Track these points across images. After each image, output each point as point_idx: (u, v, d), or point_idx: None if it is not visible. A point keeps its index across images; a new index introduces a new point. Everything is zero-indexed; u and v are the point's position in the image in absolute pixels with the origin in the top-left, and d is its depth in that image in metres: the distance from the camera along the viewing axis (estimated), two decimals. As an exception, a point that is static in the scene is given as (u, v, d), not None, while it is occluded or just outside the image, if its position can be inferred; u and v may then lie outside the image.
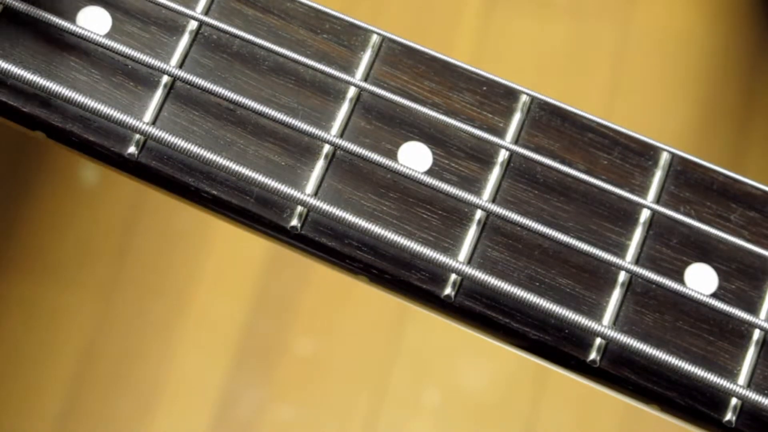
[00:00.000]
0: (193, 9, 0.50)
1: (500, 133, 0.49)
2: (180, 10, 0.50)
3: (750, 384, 0.47)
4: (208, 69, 0.50)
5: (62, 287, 1.22)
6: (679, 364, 0.46)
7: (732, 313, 0.46)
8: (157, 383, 1.19)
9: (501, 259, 0.48)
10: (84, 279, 1.23)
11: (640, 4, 1.32)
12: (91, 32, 0.49)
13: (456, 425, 1.20)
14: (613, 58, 1.29)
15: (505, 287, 0.46)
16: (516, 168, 0.49)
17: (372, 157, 0.48)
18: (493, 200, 0.48)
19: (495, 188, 0.49)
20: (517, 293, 0.46)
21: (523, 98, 0.50)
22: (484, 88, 0.50)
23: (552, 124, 0.50)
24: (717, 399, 0.47)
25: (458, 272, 0.47)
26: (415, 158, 0.49)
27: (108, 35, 0.50)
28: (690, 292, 0.47)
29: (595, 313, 0.47)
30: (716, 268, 0.48)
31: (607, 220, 0.49)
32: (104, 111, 0.48)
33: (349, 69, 0.50)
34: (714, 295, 0.48)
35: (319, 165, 0.49)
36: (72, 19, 0.50)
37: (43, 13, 0.49)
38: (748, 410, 0.47)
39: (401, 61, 0.50)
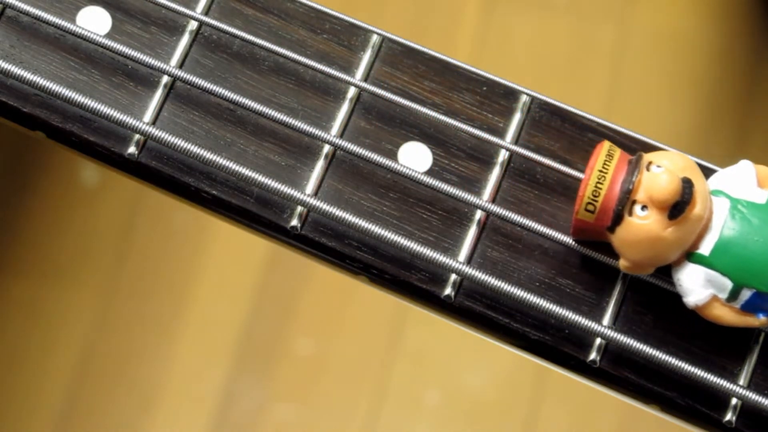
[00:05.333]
0: (193, 9, 0.50)
1: (500, 133, 0.49)
2: (180, 10, 0.50)
3: (750, 384, 0.47)
4: (208, 69, 0.50)
5: (62, 287, 1.22)
6: (679, 364, 0.46)
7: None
8: (157, 383, 1.19)
9: (501, 259, 0.48)
10: (84, 279, 1.23)
11: (640, 4, 1.32)
12: (91, 32, 0.49)
13: (456, 425, 1.20)
14: (613, 58, 1.29)
15: (505, 287, 0.46)
16: (516, 168, 0.49)
17: (372, 157, 0.48)
18: (493, 200, 0.48)
19: (495, 188, 0.49)
20: (517, 293, 0.46)
21: (523, 98, 0.50)
22: (484, 88, 0.50)
23: (552, 124, 0.50)
24: (717, 399, 0.47)
25: (458, 272, 0.47)
26: (415, 158, 0.49)
27: (108, 35, 0.50)
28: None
29: (595, 313, 0.47)
30: None
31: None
32: (104, 111, 0.48)
33: (349, 69, 0.50)
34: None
35: (319, 165, 0.49)
36: (72, 19, 0.50)
37: (43, 13, 0.49)
38: (748, 410, 0.47)
39: (401, 61, 0.50)
